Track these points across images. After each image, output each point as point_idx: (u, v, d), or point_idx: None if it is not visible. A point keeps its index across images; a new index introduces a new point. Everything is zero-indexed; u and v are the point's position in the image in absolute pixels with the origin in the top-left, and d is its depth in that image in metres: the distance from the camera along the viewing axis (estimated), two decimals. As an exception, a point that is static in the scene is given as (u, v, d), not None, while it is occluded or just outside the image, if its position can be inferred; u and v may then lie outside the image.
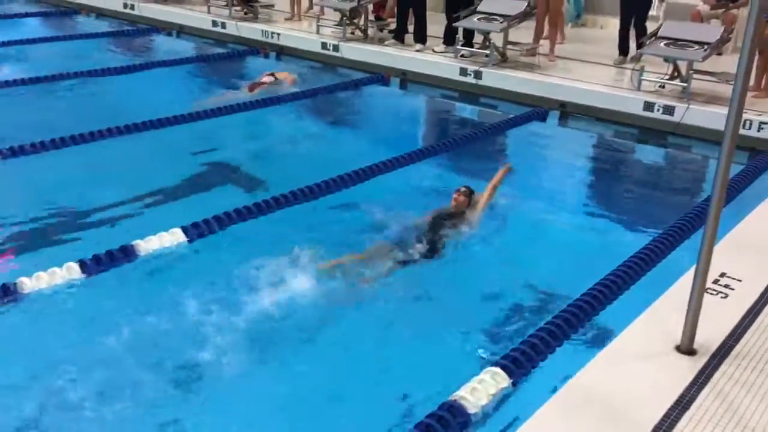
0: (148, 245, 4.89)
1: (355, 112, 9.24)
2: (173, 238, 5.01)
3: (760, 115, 7.38)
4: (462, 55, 9.61)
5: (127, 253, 4.78)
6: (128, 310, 4.21)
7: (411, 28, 10.39)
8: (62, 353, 3.84)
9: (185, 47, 11.71)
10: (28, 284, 4.37)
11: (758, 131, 7.29)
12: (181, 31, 12.56)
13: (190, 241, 5.03)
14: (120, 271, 4.66)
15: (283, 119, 8.25)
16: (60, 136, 6.79)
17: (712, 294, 3.81)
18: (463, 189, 5.35)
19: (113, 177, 6.26)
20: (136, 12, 13.19)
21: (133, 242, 4.85)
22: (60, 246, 5.05)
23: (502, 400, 3.41)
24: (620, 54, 9.64)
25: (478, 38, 9.72)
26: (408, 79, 9.90)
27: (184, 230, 5.08)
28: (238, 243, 5.12)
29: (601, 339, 3.85)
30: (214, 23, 12.05)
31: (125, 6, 13.35)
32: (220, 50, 11.30)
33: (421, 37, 10.17)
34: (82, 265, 4.57)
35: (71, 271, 4.52)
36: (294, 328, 4.18)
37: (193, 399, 3.60)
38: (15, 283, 4.35)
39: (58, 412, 3.44)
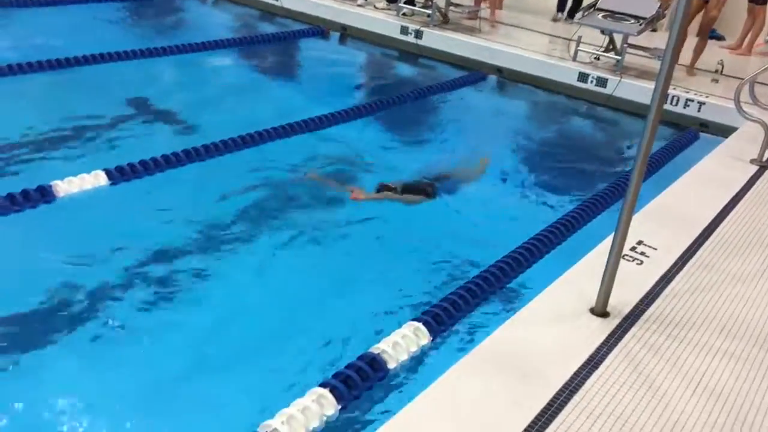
0: (68, 186, 4.70)
1: (292, 64, 9.07)
2: (95, 180, 4.84)
3: (687, 92, 7.62)
4: (404, 14, 9.52)
5: (44, 193, 4.58)
6: (42, 252, 4.06)
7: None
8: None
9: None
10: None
11: (684, 108, 7.53)
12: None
13: (112, 184, 4.87)
14: (36, 212, 4.48)
15: (217, 66, 8.01)
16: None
17: (628, 260, 3.94)
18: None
19: (36, 114, 5.96)
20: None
21: (52, 182, 4.66)
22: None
23: (419, 354, 3.46)
24: (558, 10, 9.95)
25: (421, -3, 9.65)
26: (348, 34, 9.75)
27: (107, 173, 4.90)
28: (163, 188, 4.98)
29: (520, 300, 3.95)
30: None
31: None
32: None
33: (364, -9, 10.02)
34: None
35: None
36: (215, 277, 4.13)
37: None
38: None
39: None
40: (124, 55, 7.46)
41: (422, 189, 5.25)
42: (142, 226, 4.49)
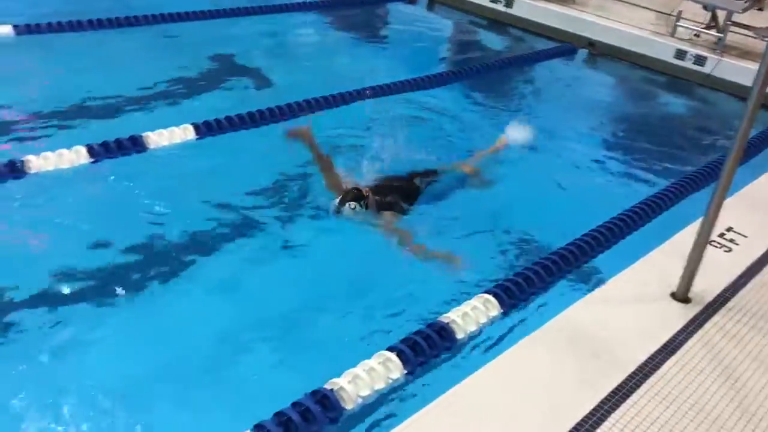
0: (158, 138, 4.86)
1: (378, 28, 9.02)
2: (184, 134, 4.99)
3: (792, 75, 7.16)
4: (495, -19, 9.28)
5: (136, 143, 4.76)
6: (131, 198, 4.26)
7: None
8: (61, 231, 3.92)
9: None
10: (34, 163, 4.37)
11: (788, 92, 7.09)
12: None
13: (199, 138, 5.00)
14: (127, 160, 4.66)
15: (303, 27, 8.07)
16: (79, 19, 6.73)
17: (715, 246, 3.78)
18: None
19: (129, 68, 6.19)
20: None
21: (143, 133, 4.83)
22: (70, 130, 5.02)
23: (488, 326, 3.43)
24: None
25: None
26: (436, 0, 9.62)
27: (195, 127, 5.04)
28: (247, 145, 5.09)
29: (598, 280, 3.85)
30: None
31: None
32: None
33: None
34: (90, 150, 4.57)
35: (79, 154, 4.53)
36: (295, 235, 4.20)
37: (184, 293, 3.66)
38: (22, 161, 4.36)
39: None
40: (216, 14, 7.60)
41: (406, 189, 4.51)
42: (226, 182, 4.60)
